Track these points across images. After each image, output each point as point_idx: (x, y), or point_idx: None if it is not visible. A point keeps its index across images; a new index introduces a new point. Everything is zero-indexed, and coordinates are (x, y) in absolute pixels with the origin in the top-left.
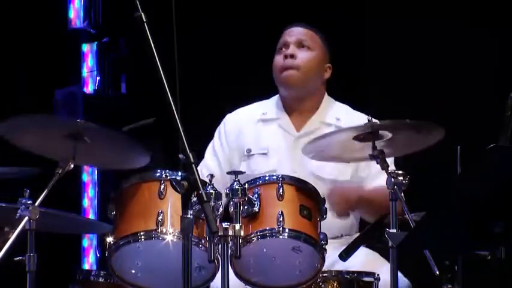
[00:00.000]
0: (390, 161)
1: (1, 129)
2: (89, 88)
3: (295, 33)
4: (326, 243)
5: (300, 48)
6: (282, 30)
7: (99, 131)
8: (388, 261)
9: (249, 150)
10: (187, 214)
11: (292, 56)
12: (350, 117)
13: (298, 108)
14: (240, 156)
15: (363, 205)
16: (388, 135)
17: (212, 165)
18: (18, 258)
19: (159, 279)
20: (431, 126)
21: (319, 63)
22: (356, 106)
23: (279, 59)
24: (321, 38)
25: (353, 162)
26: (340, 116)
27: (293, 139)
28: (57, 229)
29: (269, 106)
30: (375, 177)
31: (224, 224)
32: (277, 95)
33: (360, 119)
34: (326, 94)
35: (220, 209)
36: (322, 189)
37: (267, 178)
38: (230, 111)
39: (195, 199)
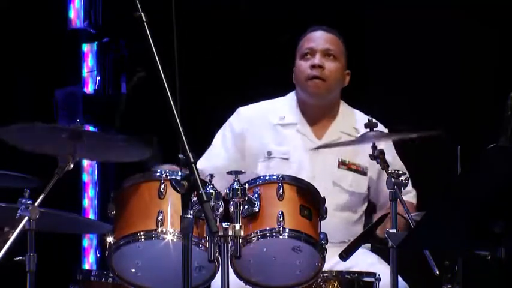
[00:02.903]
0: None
1: (1, 133)
2: (89, 88)
3: (322, 40)
4: (326, 243)
5: (326, 58)
6: (300, 38)
7: (97, 135)
8: (388, 262)
9: (269, 153)
10: (187, 214)
11: (320, 67)
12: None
13: (317, 115)
14: (255, 155)
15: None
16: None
17: (220, 157)
18: (18, 258)
19: (159, 279)
20: (434, 135)
21: (342, 72)
22: (355, 106)
23: (304, 67)
24: (343, 43)
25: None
26: (358, 127)
27: (314, 146)
28: (57, 229)
29: (286, 108)
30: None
31: (224, 224)
32: (292, 95)
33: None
34: (341, 100)
35: (220, 209)
36: (340, 198)
37: (267, 178)
38: (231, 111)
39: (195, 199)
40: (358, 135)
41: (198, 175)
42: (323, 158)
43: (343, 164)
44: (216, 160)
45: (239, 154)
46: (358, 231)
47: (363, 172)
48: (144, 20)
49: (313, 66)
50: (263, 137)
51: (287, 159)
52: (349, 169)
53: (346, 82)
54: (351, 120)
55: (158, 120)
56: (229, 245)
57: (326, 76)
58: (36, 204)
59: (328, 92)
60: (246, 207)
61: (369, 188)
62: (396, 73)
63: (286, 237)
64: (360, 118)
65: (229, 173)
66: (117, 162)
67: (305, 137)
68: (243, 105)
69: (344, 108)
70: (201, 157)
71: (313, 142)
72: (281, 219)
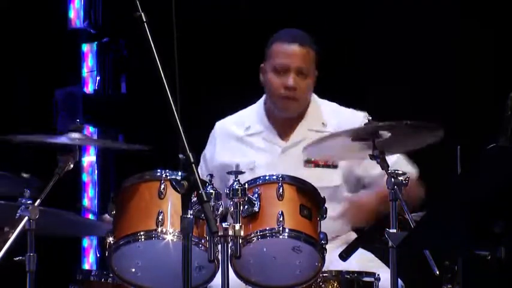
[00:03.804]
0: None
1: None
2: (89, 88)
3: (297, 57)
4: (326, 243)
5: (299, 76)
6: (272, 41)
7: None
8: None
9: (237, 166)
10: (187, 214)
11: (294, 88)
12: (337, 119)
13: (285, 121)
14: (225, 170)
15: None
16: (387, 134)
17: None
18: (18, 258)
19: (159, 279)
20: (430, 126)
21: (313, 83)
22: (354, 106)
23: (278, 84)
24: (315, 50)
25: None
26: (326, 120)
27: (280, 150)
28: (57, 231)
29: (253, 117)
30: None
31: (224, 224)
32: (261, 102)
33: (348, 117)
34: (312, 95)
35: (220, 209)
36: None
37: (267, 178)
38: (231, 111)
39: (195, 199)
40: (326, 129)
41: (198, 175)
42: (289, 160)
43: (309, 162)
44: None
45: (223, 154)
46: (341, 226)
47: (332, 166)
48: (144, 20)
49: (286, 87)
50: (231, 151)
51: (252, 169)
52: (317, 165)
53: (315, 82)
54: (319, 115)
55: (158, 120)
56: (229, 245)
57: (299, 96)
58: (36, 204)
59: (301, 108)
60: (246, 207)
61: (348, 177)
62: (395, 74)
63: (286, 237)
64: (327, 109)
65: (229, 173)
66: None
67: (271, 143)
68: (230, 113)
69: (314, 104)
70: (200, 157)
71: (279, 146)
72: (281, 219)
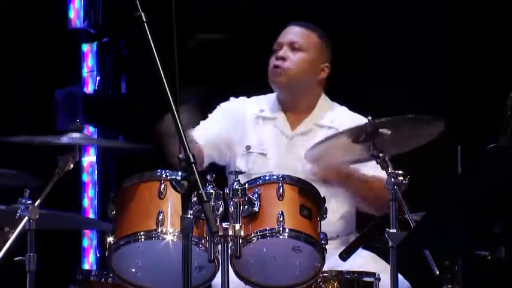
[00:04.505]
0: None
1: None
2: (89, 88)
3: (290, 33)
4: (326, 243)
5: (292, 50)
6: (281, 29)
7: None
8: (387, 262)
9: (248, 147)
10: (187, 214)
11: (283, 58)
12: (344, 120)
13: (293, 108)
14: (236, 145)
15: (357, 185)
16: (387, 133)
17: (213, 128)
18: (18, 258)
19: (159, 279)
20: (432, 120)
21: (311, 64)
22: (354, 106)
23: (271, 60)
24: (319, 37)
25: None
26: (334, 119)
27: (287, 139)
28: (58, 226)
29: (266, 103)
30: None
31: (224, 224)
32: (275, 93)
33: (354, 121)
34: (323, 94)
35: (220, 209)
36: (320, 190)
37: (267, 178)
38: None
39: (195, 199)
40: (333, 126)
41: (198, 175)
42: (297, 151)
43: None
44: (208, 130)
45: (231, 130)
46: (347, 225)
47: None
48: (144, 20)
49: (276, 58)
50: (244, 129)
51: (265, 154)
52: None
53: (322, 75)
54: (329, 112)
55: (158, 120)
56: (229, 245)
57: (287, 67)
58: (36, 204)
59: (291, 83)
60: (246, 207)
61: None
62: (395, 73)
63: (286, 237)
64: (341, 111)
65: (230, 173)
66: None
67: (280, 131)
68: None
69: (324, 101)
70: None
71: (285, 135)
72: (281, 219)
